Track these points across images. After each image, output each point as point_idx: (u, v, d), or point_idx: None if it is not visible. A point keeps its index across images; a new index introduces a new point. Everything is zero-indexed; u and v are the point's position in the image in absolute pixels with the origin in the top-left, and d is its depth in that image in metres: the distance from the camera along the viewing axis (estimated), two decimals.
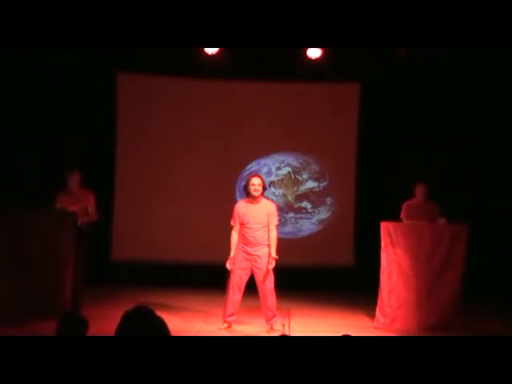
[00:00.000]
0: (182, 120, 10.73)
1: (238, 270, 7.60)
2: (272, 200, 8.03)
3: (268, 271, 7.54)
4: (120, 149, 10.72)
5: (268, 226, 7.59)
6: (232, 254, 7.62)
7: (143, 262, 10.44)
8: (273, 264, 7.52)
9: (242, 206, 7.67)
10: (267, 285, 7.57)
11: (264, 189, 7.68)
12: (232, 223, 7.70)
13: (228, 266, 7.61)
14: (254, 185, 7.56)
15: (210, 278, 9.59)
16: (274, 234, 7.59)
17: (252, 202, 7.62)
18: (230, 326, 7.73)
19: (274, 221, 7.65)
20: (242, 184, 7.78)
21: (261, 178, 7.76)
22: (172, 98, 10.72)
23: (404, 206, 8.85)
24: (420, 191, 8.79)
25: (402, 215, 8.80)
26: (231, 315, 7.68)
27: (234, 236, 7.66)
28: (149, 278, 10.16)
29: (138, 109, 10.69)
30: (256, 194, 7.56)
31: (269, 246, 7.59)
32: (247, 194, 7.65)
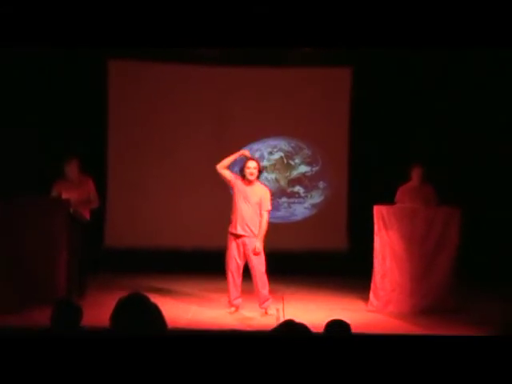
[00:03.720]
0: (174, 106, 10.65)
1: (233, 257, 7.65)
2: (266, 186, 8.03)
3: (258, 254, 7.58)
4: (112, 135, 10.59)
5: (260, 210, 7.61)
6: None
7: (137, 249, 10.38)
8: (258, 250, 7.54)
9: (238, 182, 7.70)
10: (258, 267, 7.62)
11: (259, 172, 7.71)
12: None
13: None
14: (249, 168, 7.59)
15: (204, 264, 9.64)
16: (264, 220, 7.60)
17: (246, 184, 7.65)
18: (237, 309, 7.80)
19: (267, 205, 7.67)
20: (239, 167, 7.80)
21: (256, 161, 7.78)
22: (163, 84, 10.63)
23: (399, 190, 8.83)
24: (416, 174, 8.75)
25: (397, 199, 8.78)
26: (237, 298, 7.75)
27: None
28: (143, 265, 10.06)
29: (129, 95, 10.56)
30: (251, 177, 7.60)
31: (257, 234, 7.60)
32: (243, 177, 7.68)
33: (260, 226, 7.57)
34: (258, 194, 7.64)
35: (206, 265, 9.46)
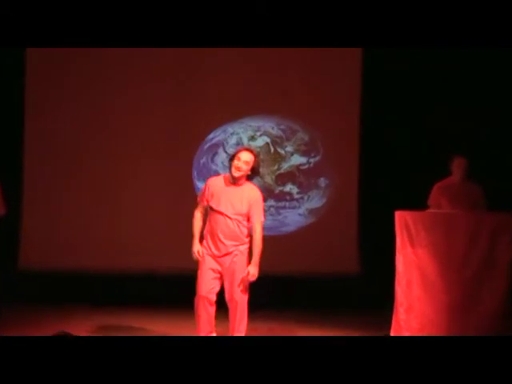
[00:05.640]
0: (112, 95, 10.70)
1: (207, 279, 7.49)
2: (258, 187, 7.84)
3: (242, 281, 7.42)
4: (30, 136, 10.75)
5: (249, 221, 7.51)
6: (196, 240, 7.57)
7: (62, 273, 10.41)
8: (252, 277, 7.48)
9: (217, 183, 7.57)
10: (237, 298, 7.50)
11: (253, 172, 7.54)
12: (198, 200, 7.64)
13: (196, 254, 7.54)
14: (239, 160, 7.38)
15: (154, 291, 9.88)
16: (258, 235, 7.51)
17: (231, 184, 7.50)
18: None
19: (259, 215, 7.57)
20: (229, 155, 7.62)
21: (253, 153, 7.54)
22: (98, 69, 10.69)
23: (435, 188, 8.91)
24: (458, 167, 8.80)
25: (431, 201, 8.84)
26: (210, 333, 7.67)
27: (198, 219, 7.63)
28: (70, 293, 10.08)
29: (51, 88, 10.70)
30: (236, 174, 7.40)
31: (248, 249, 7.53)
32: (229, 169, 7.54)
33: (254, 244, 7.46)
34: (245, 197, 7.48)
35: (157, 292, 9.68)
